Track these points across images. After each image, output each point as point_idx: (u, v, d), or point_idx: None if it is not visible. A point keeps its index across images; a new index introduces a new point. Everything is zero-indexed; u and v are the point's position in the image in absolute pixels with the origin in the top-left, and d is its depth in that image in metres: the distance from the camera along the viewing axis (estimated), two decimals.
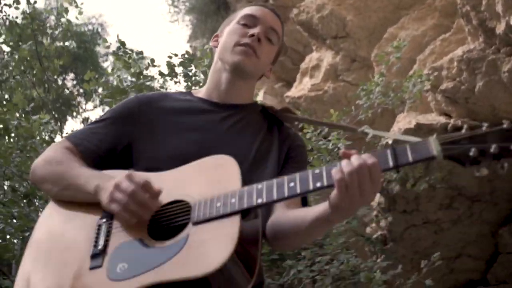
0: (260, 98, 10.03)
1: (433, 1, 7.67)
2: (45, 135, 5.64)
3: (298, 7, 8.93)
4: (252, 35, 2.12)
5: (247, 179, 1.79)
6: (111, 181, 1.79)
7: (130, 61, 4.39)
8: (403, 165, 1.59)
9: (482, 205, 7.85)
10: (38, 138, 5.05)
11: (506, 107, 6.64)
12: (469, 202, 7.85)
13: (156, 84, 4.64)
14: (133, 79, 4.25)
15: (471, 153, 1.51)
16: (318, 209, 1.75)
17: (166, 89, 4.66)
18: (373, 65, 8.25)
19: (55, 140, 6.02)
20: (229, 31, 2.21)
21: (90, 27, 18.62)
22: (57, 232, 1.90)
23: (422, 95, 6.43)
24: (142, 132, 2.06)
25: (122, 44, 4.42)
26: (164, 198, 1.80)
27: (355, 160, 1.60)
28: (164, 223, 1.78)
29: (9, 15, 5.75)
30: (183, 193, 1.81)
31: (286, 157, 2.15)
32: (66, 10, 5.85)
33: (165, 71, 4.40)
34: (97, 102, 16.50)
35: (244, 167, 1.87)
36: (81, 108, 17.62)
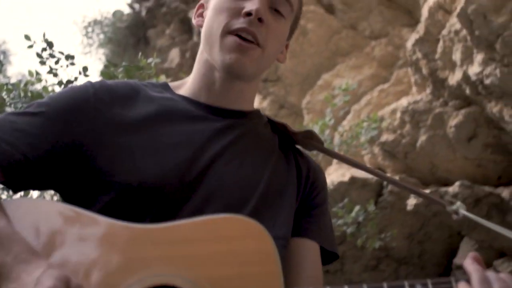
0: None
1: (371, 50, 7.36)
2: None
3: None
4: (249, 13, 1.37)
5: (255, 220, 1.15)
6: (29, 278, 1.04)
7: (58, 67, 3.61)
8: None
9: (409, 268, 7.43)
10: None
11: (448, 165, 6.30)
12: (396, 264, 7.41)
13: None
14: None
15: None
16: None
17: None
18: (304, 113, 7.79)
19: None
20: (215, 7, 1.43)
21: None
22: None
23: (366, 145, 5.96)
24: (99, 142, 1.30)
25: (50, 45, 3.60)
26: (145, 275, 1.09)
27: (496, 281, 1.01)
28: None
29: None
30: (179, 274, 1.09)
31: (308, 202, 1.45)
32: None
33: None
34: None
35: (251, 204, 1.28)
36: None
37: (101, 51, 12.48)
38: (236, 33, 1.37)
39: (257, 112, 1.53)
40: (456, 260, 6.80)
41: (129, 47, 10.99)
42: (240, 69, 1.37)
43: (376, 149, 6.67)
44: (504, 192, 6.00)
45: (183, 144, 1.32)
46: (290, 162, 1.47)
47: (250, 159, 1.38)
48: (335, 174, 7.10)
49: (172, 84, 1.51)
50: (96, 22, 12.70)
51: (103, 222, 1.16)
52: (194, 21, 1.57)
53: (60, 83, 3.60)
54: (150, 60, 3.64)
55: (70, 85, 1.38)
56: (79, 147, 1.29)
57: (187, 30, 9.73)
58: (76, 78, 3.62)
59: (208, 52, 1.42)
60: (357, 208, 4.78)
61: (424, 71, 5.88)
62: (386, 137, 6.45)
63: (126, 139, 1.30)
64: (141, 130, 1.32)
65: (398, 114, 6.27)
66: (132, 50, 10.85)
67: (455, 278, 1.03)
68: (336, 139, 5.70)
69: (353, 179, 6.79)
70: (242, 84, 1.44)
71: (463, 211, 1.35)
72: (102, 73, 3.56)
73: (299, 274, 1.38)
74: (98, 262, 1.10)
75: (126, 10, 11.65)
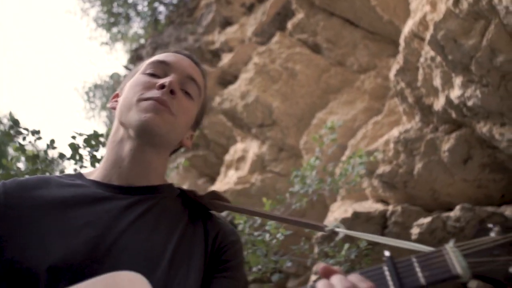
0: None
1: (362, 84, 7.40)
2: None
3: (221, 95, 8.49)
4: (163, 86, 1.54)
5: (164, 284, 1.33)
6: None
7: (25, 142, 3.71)
8: None
9: None
10: None
11: (448, 189, 6.26)
12: None
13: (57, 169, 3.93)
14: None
15: None
16: None
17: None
18: (302, 153, 7.81)
19: None
20: (131, 84, 1.62)
21: (1, 127, 17.54)
22: None
23: (359, 180, 5.96)
24: (10, 235, 1.38)
25: (15, 122, 3.69)
26: None
27: (339, 282, 1.05)
28: None
29: None
30: None
31: (216, 260, 1.53)
32: None
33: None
34: None
35: (158, 274, 1.35)
36: None
37: (104, 113, 12.63)
38: (151, 100, 1.51)
39: (168, 186, 1.63)
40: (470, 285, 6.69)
41: None
42: (154, 127, 1.48)
43: (375, 182, 6.65)
44: (508, 211, 5.94)
45: (91, 224, 1.40)
46: (197, 228, 1.55)
47: (156, 231, 1.46)
48: (338, 211, 7.08)
49: (85, 172, 1.63)
50: (96, 86, 12.91)
51: None
52: (108, 105, 1.71)
53: (28, 158, 3.69)
54: None
55: None
56: None
57: None
58: (45, 151, 3.73)
59: (124, 118, 1.54)
60: (346, 246, 4.76)
61: (410, 99, 5.90)
62: (383, 168, 6.45)
63: (35, 226, 1.38)
64: (50, 216, 1.41)
65: (391, 145, 6.27)
66: None
67: None
68: (329, 179, 5.71)
69: (356, 214, 6.76)
70: (151, 154, 1.55)
71: (341, 230, 1.44)
72: (70, 146, 3.66)
73: None
74: None
75: (123, 71, 11.86)
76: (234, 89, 8.30)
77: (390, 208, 6.71)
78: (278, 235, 4.58)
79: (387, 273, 1.08)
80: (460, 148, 5.83)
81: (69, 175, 1.61)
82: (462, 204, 5.99)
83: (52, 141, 3.72)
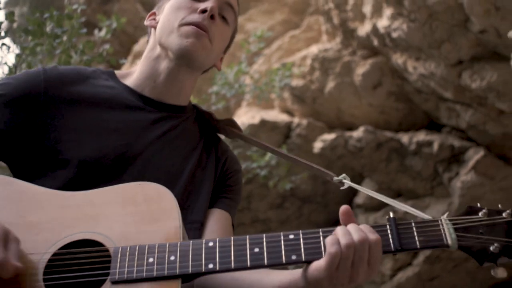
0: None
1: None
2: None
3: None
4: (204, 11, 1.60)
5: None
6: None
7: None
8: (407, 250, 1.28)
9: (313, 206, 7.85)
10: None
11: (353, 110, 6.65)
12: (300, 202, 7.81)
13: None
14: None
15: (492, 248, 1.25)
16: (283, 277, 1.40)
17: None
18: None
19: None
20: (172, 6, 1.66)
21: None
22: None
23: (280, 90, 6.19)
24: (46, 124, 1.50)
25: None
26: (70, 232, 1.29)
27: (355, 232, 1.24)
28: (67, 275, 1.24)
29: None
30: (97, 230, 1.30)
31: (221, 184, 1.71)
32: None
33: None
34: None
35: (175, 191, 1.43)
36: None
37: None
38: (193, 25, 1.59)
39: (190, 106, 1.74)
40: (357, 200, 7.26)
41: None
42: (194, 53, 1.58)
43: (286, 94, 6.92)
44: (404, 138, 6.44)
45: (120, 131, 1.54)
46: (211, 155, 1.71)
47: (177, 149, 1.61)
48: (245, 116, 7.32)
49: (118, 73, 1.69)
50: None
51: (37, 190, 1.37)
52: (146, 23, 1.76)
53: None
54: (75, 6, 3.69)
55: (24, 71, 1.60)
56: (32, 128, 1.49)
57: None
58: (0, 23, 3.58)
59: (165, 40, 1.62)
60: None
61: (335, 21, 6.12)
62: (296, 82, 6.71)
63: (71, 121, 1.51)
64: (85, 115, 1.53)
65: (309, 61, 6.51)
66: None
67: (323, 231, 1.26)
68: (250, 84, 5.89)
69: (263, 122, 7.05)
70: (186, 76, 1.65)
71: (348, 182, 1.64)
72: (29, 20, 3.53)
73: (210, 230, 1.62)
74: (33, 222, 1.30)
75: None
76: None
77: (296, 120, 7.05)
78: None
79: (389, 231, 1.27)
80: (373, 74, 6.19)
81: (102, 72, 1.68)
82: (365, 126, 6.42)
83: (12, 13, 3.58)
